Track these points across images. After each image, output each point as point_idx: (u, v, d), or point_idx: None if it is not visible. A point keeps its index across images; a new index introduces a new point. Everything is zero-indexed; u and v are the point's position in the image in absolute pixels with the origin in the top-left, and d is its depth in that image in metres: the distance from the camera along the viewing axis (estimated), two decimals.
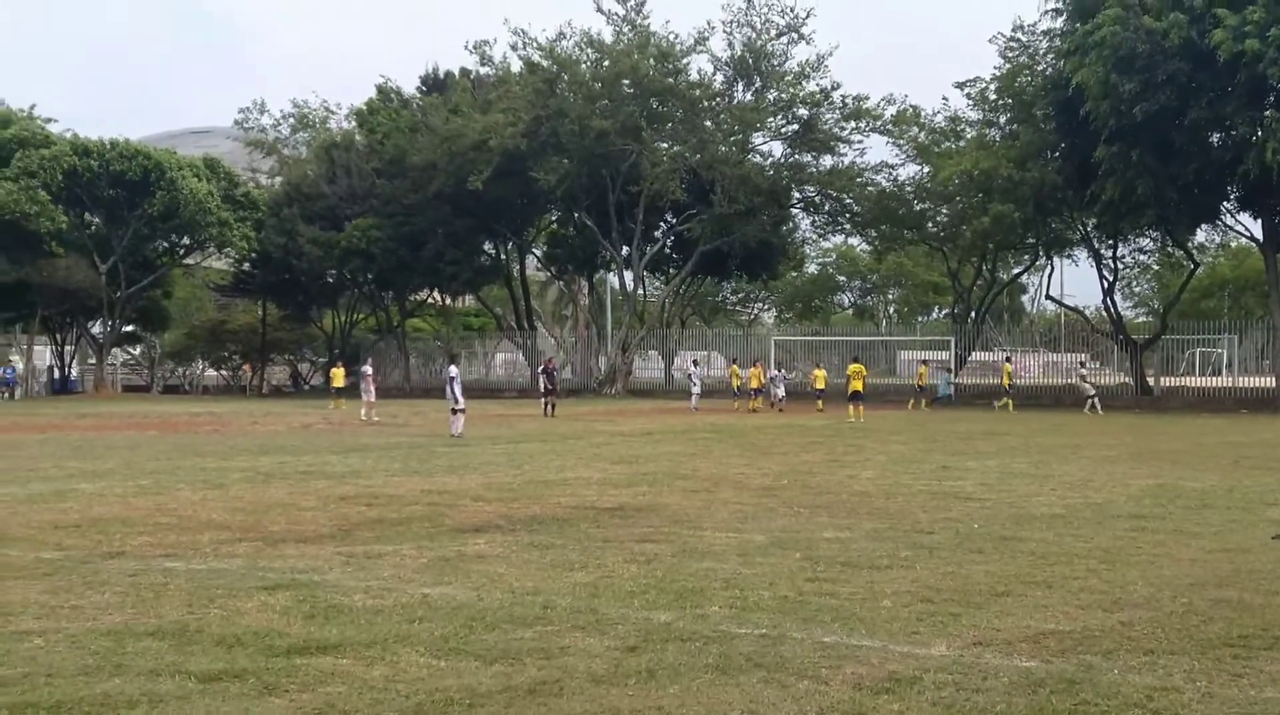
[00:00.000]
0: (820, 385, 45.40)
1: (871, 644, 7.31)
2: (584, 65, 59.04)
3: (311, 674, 6.57)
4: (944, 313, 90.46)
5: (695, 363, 54.67)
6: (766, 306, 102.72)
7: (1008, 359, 51.94)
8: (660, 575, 9.59)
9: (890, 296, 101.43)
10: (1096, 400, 43.84)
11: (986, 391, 51.98)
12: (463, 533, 12.10)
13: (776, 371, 49.22)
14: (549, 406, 40.05)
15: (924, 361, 53.56)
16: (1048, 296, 72.23)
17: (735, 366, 51.41)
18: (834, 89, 59.05)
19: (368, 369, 42.15)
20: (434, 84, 72.39)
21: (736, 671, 6.62)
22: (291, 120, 75.97)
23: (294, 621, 7.92)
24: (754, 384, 47.22)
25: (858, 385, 40.46)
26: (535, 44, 59.99)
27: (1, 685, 6.32)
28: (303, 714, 5.84)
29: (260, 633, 7.53)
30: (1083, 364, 50.21)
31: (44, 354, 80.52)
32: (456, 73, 71.70)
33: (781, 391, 46.56)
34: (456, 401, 29.06)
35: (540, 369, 46.88)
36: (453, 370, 31.06)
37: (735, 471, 19.21)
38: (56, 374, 76.38)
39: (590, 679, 6.45)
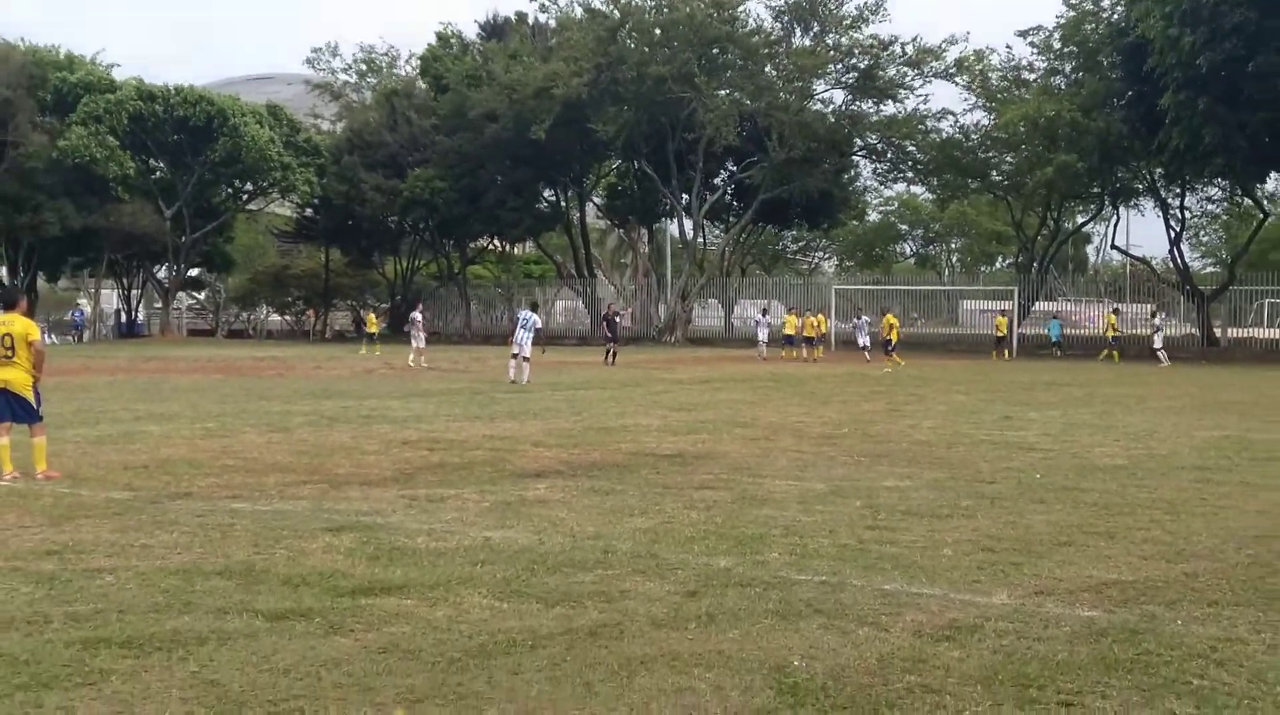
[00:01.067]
0: (890, 335, 44.78)
1: (932, 592, 7.31)
2: (645, 11, 58.59)
3: (376, 614, 6.66)
4: (1007, 262, 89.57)
5: (764, 312, 53.95)
6: (827, 255, 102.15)
7: (1115, 311, 51.02)
8: (720, 522, 9.63)
9: (953, 246, 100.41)
10: (1163, 351, 43.26)
11: (1047, 342, 51.36)
12: (524, 478, 12.19)
13: (859, 318, 47.27)
14: (610, 354, 39.71)
15: (1002, 312, 52.25)
16: (1113, 246, 71.42)
17: (791, 315, 50.61)
18: (893, 42, 58.22)
19: (417, 315, 41.79)
20: (493, 30, 72.30)
21: (796, 617, 6.64)
22: (361, 65, 76.18)
23: (358, 563, 8.02)
24: (808, 333, 46.05)
25: (894, 335, 41.49)
26: None
27: (75, 621, 6.45)
28: (367, 653, 5.92)
29: (325, 573, 7.64)
30: (1154, 314, 49.32)
31: (111, 298, 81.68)
32: (515, 19, 71.53)
33: (865, 340, 44.20)
34: (518, 346, 29.03)
35: (603, 316, 46.41)
36: (526, 315, 30.11)
37: (795, 420, 19.19)
38: (123, 318, 77.42)
39: (650, 622, 6.50)
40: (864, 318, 46.79)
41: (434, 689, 5.40)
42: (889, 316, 43.25)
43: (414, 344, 38.77)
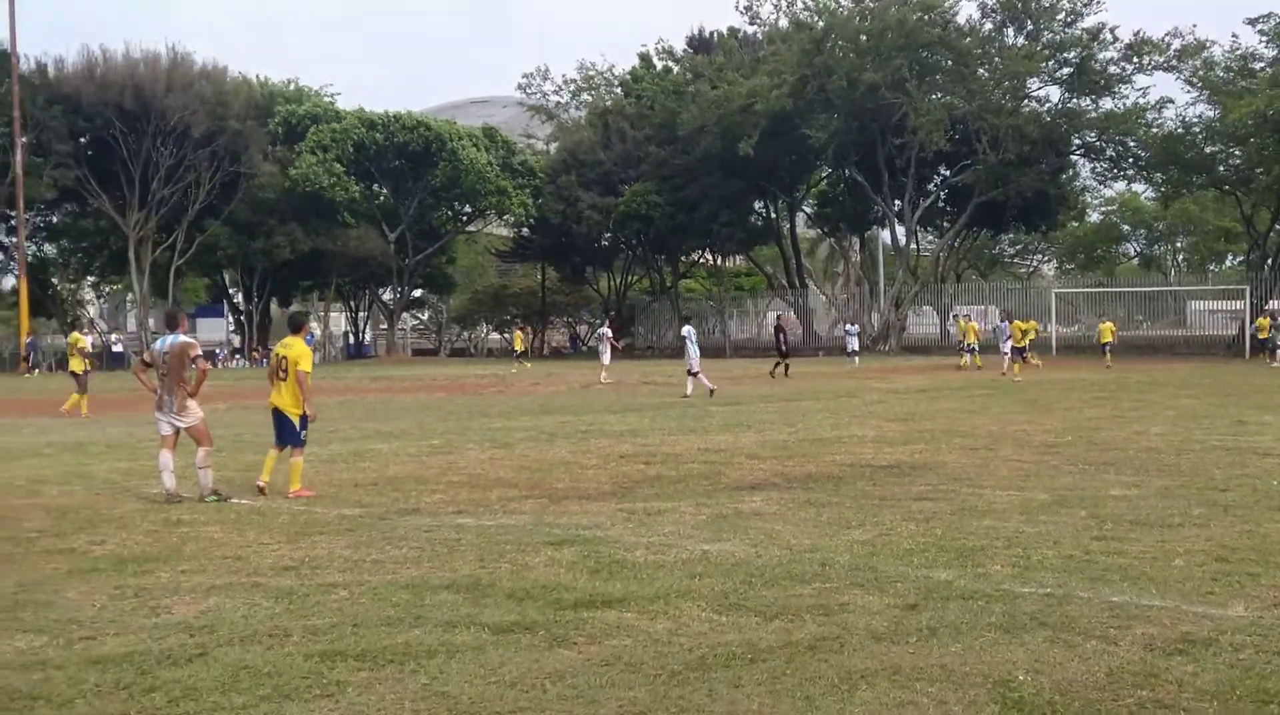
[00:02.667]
0: (1107, 338, 43.56)
1: (1163, 604, 7.07)
2: (853, 20, 58.15)
3: (598, 627, 6.77)
4: (1238, 260, 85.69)
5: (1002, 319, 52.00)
6: (1046, 258, 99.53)
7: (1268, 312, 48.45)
8: (940, 533, 9.49)
9: (1178, 244, 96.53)
10: None
11: None
12: (739, 490, 12.22)
13: (1001, 323, 43.15)
14: (782, 367, 37.88)
15: (1269, 312, 48.69)
16: None
17: (961, 320, 48.30)
18: (1101, 29, 56.52)
19: (606, 331, 41.12)
20: (700, 45, 72.79)
21: (1021, 630, 6.51)
22: (572, 85, 77.55)
23: (579, 576, 8.16)
24: (969, 339, 43.31)
25: (1109, 338, 41.80)
26: (802, 2, 59.56)
27: (313, 634, 6.73)
28: (590, 665, 6.02)
29: (548, 586, 7.80)
30: None
31: (339, 320, 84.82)
32: (725, 32, 71.86)
33: (1007, 348, 39.39)
34: (690, 362, 29.01)
35: (774, 327, 45.16)
36: (686, 330, 30.41)
37: (1015, 428, 18.77)
38: (351, 339, 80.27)
39: (870, 636, 6.45)
40: (1004, 323, 44.16)
41: (655, 701, 5.46)
42: (1025, 323, 40.99)
43: (601, 360, 38.21)
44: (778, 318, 49.97)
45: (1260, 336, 45.43)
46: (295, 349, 12.46)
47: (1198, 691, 5.46)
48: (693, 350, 29.21)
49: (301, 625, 6.92)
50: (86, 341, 30.60)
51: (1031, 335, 39.78)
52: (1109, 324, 44.77)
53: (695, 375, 28.94)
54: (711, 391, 28.11)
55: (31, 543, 9.79)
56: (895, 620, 6.78)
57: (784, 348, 39.85)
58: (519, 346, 57.07)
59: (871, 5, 57.54)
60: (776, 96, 56.10)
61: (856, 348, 48.76)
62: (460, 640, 6.52)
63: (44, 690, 5.76)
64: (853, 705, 5.38)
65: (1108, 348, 43.37)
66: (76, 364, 27.67)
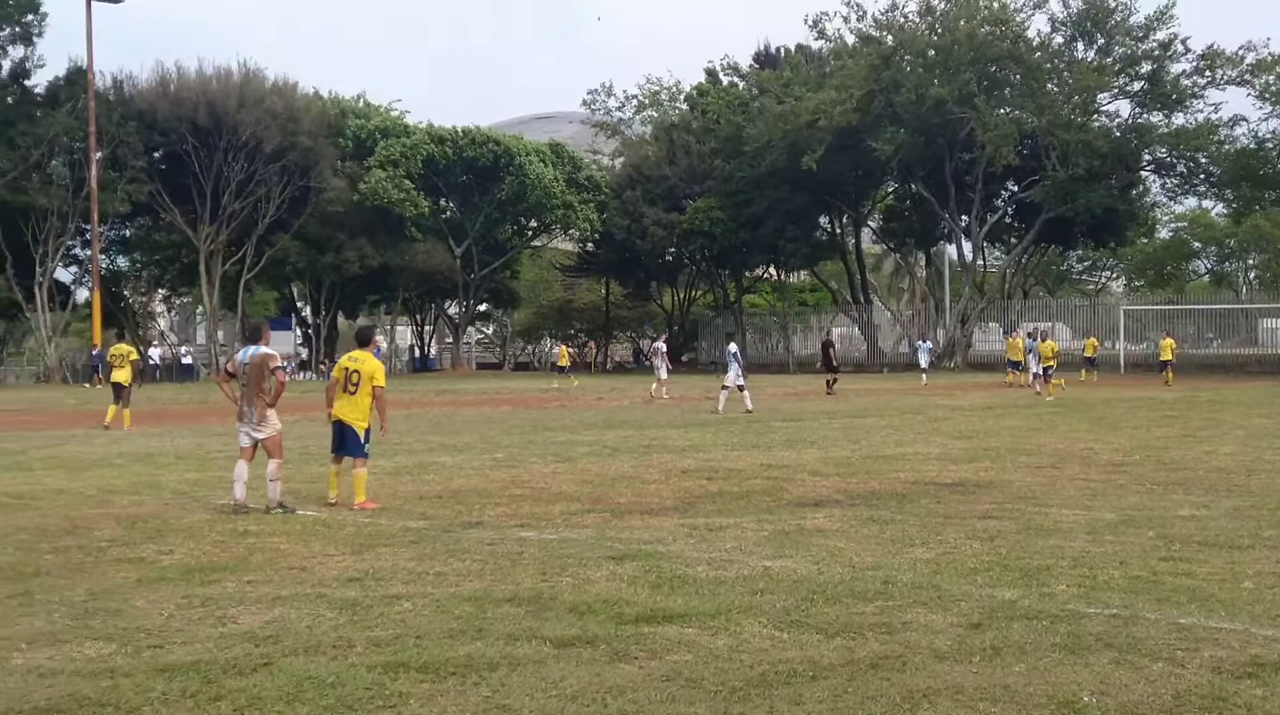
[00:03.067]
0: (1166, 356, 42.94)
1: (1232, 626, 6.97)
2: (921, 34, 57.88)
3: (659, 642, 6.77)
4: None
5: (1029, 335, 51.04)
6: (1115, 275, 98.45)
7: None
8: (1004, 552, 9.41)
9: (1250, 262, 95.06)
10: None
11: None
12: (802, 507, 12.18)
13: (1030, 342, 40.94)
14: (830, 384, 37.69)
15: None
16: None
17: (1012, 338, 47.13)
18: (1173, 40, 55.91)
19: (661, 346, 41.22)
20: (766, 60, 72.85)
21: (1086, 651, 6.44)
22: (635, 101, 77.78)
23: (641, 591, 8.17)
24: (1013, 356, 42.36)
25: (1168, 355, 41.74)
26: (870, 17, 59.40)
27: (376, 646, 6.79)
28: (651, 681, 6.03)
29: (609, 601, 7.81)
30: None
31: (405, 334, 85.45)
32: (792, 48, 72.00)
33: (1035, 367, 38.23)
34: (735, 378, 28.93)
35: (822, 343, 44.16)
36: (733, 348, 30.51)
37: (1082, 447, 18.57)
38: (417, 353, 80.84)
39: (933, 655, 6.41)
40: (1032, 342, 42.74)
41: None
42: (1165, 339, 41.29)
43: (657, 375, 37.92)
44: (826, 333, 49.41)
45: None
46: (369, 365, 12.58)
47: None
48: (735, 367, 29.15)
49: (365, 636, 6.98)
50: (133, 352, 30.15)
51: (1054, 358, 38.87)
52: (1169, 341, 44.13)
53: (742, 389, 28.95)
54: (749, 411, 27.97)
55: (102, 552, 9.94)
56: (958, 639, 6.73)
57: (834, 363, 39.48)
58: (564, 362, 57.08)
59: (940, 19, 57.25)
60: (843, 111, 55.91)
61: (926, 364, 48.18)
62: (522, 653, 6.55)
63: (112, 697, 5.86)
64: None
65: (1169, 366, 42.82)
66: (122, 375, 26.93)
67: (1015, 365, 42.13)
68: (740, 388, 28.94)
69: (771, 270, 78.59)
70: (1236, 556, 9.14)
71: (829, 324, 66.32)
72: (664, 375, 37.92)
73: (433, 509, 12.31)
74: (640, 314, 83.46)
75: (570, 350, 64.02)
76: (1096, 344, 43.82)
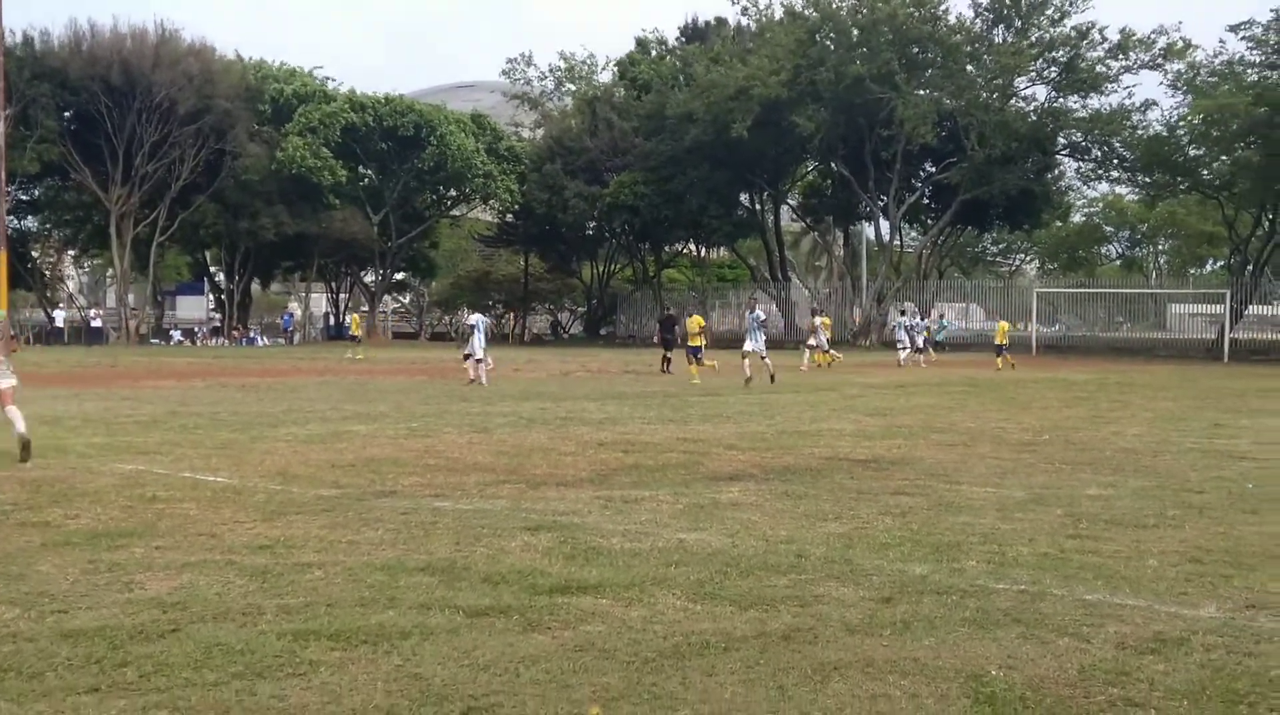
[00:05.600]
0: (1000, 339, 42.23)
1: (1136, 603, 7.09)
2: (844, 12, 58.20)
3: (572, 612, 6.76)
4: (1219, 264, 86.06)
5: (903, 312, 50.70)
6: (1029, 258, 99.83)
7: None
8: (915, 528, 9.51)
9: (1161, 247, 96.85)
10: None
11: (1262, 347, 49.15)
12: (717, 481, 12.22)
13: (914, 320, 42.82)
14: (665, 362, 36.01)
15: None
16: None
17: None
18: (1090, 28, 56.86)
19: (760, 314, 34.21)
20: (694, 34, 72.78)
21: (994, 626, 6.53)
22: (558, 73, 77.36)
23: (555, 561, 8.15)
24: (810, 341, 41.05)
25: (1002, 339, 41.85)
26: None
27: (286, 613, 6.71)
28: (564, 651, 6.02)
29: (523, 571, 7.78)
30: None
31: (320, 302, 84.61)
32: (715, 22, 71.89)
33: (917, 342, 40.77)
34: (473, 351, 29.10)
35: (658, 319, 42.59)
36: (474, 318, 30.88)
37: (993, 426, 18.82)
38: (331, 321, 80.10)
39: (845, 628, 6.46)
40: (918, 320, 43.25)
41: (629, 688, 5.46)
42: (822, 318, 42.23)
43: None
44: (664, 310, 48.56)
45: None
46: None
47: (1169, 690, 5.48)
48: (478, 339, 29.31)
49: (275, 604, 6.90)
50: None
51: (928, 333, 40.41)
52: (1004, 324, 44.04)
53: (763, 358, 30.05)
54: (748, 379, 29.04)
55: (5, 516, 9.74)
56: (869, 613, 6.79)
57: (667, 340, 37.95)
58: (355, 331, 56.57)
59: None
60: (774, 82, 56.06)
61: (907, 344, 43.52)
62: (434, 622, 6.51)
63: (14, 662, 5.74)
64: (825, 696, 5.39)
65: (1003, 350, 41.76)
66: None
67: (695, 351, 40.29)
68: (762, 357, 29.79)
69: (691, 246, 78.75)
70: (1142, 535, 9.30)
71: (765, 301, 66.58)
72: (759, 348, 32.43)
73: (346, 477, 12.19)
74: (559, 287, 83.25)
75: (360, 317, 63.76)
76: (1007, 328, 43.54)
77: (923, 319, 44.29)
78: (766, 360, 29.78)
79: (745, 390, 27.36)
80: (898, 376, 34.65)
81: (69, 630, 6.29)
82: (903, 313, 44.15)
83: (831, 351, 40.84)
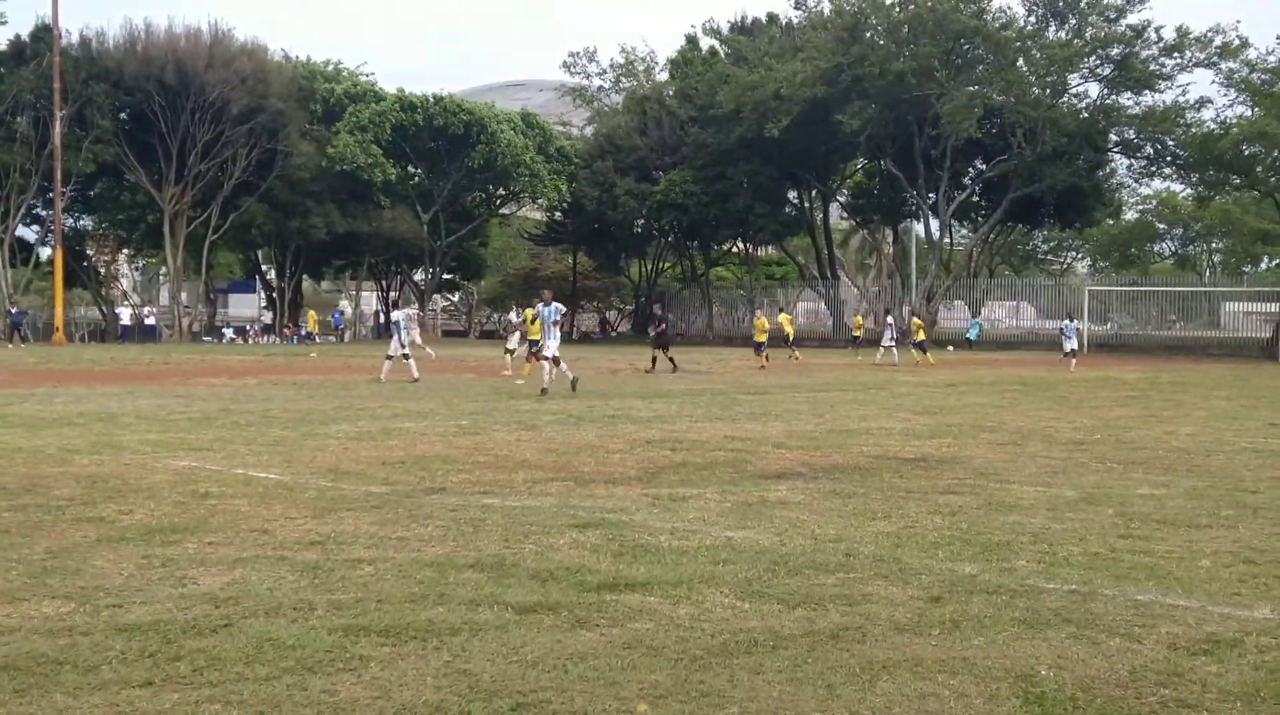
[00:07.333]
0: (919, 337, 42.23)
1: (1188, 604, 7.03)
2: (890, 8, 57.88)
3: (620, 610, 6.77)
4: (1275, 263, 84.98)
5: (887, 310, 51.31)
6: (1080, 256, 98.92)
7: None
8: (965, 527, 9.46)
9: (1214, 245, 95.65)
10: None
11: None
12: (765, 479, 12.20)
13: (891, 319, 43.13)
14: (652, 362, 35.71)
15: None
16: None
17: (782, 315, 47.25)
18: (1146, 27, 56.15)
19: (399, 315, 32.27)
20: (742, 30, 72.63)
21: (1044, 626, 6.49)
22: (618, 68, 77.33)
23: (603, 559, 8.17)
24: (759, 337, 40.80)
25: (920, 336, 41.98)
26: None
27: (337, 609, 6.76)
28: (612, 648, 6.03)
29: (572, 568, 7.81)
30: None
31: (370, 300, 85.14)
32: (764, 19, 71.72)
33: (886, 340, 40.50)
34: (399, 347, 29.54)
35: (653, 315, 42.07)
36: (397, 315, 31.22)
37: (1044, 425, 18.69)
38: (381, 319, 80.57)
39: (893, 627, 6.44)
40: (889, 318, 43.38)
41: (676, 686, 5.47)
42: (915, 318, 41.94)
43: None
44: (659, 307, 48.76)
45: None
46: None
47: (1222, 692, 5.43)
48: (402, 335, 29.97)
49: (326, 599, 6.95)
50: None
51: (921, 333, 41.21)
52: (917, 321, 44.34)
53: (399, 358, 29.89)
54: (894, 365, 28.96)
55: (61, 511, 9.87)
56: (918, 612, 6.76)
57: (659, 338, 37.38)
58: (311, 327, 56.66)
59: None
60: (804, 82, 55.91)
61: (890, 342, 43.63)
62: (483, 619, 6.54)
63: (70, 655, 5.81)
64: (873, 695, 5.37)
65: (923, 346, 41.59)
66: None
67: (760, 346, 40.54)
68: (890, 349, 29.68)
69: (740, 244, 78.66)
70: (1194, 535, 9.21)
71: (814, 300, 66.35)
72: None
73: (395, 474, 12.27)
74: (608, 285, 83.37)
75: (314, 314, 64.22)
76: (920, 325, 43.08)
77: (890, 316, 44.57)
78: (895, 351, 29.68)
79: (771, 391, 27.27)
80: (945, 376, 34.43)
81: (123, 624, 6.37)
82: (888, 312, 45.01)
83: (915, 350, 40.52)
